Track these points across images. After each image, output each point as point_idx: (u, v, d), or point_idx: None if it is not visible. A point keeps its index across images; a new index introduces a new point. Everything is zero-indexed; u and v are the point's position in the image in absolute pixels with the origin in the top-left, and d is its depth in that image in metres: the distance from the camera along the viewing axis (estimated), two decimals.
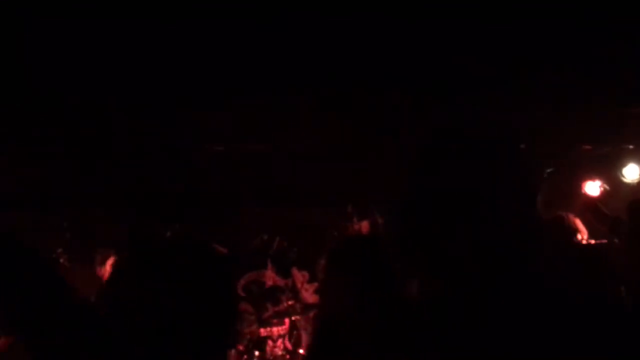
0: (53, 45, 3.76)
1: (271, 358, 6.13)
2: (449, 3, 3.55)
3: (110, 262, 5.00)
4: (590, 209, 4.25)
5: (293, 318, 6.33)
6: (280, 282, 6.66)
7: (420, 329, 1.17)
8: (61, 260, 5.71)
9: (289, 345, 6.25)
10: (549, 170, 5.67)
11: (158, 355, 1.32)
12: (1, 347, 4.17)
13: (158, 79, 4.32)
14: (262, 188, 6.27)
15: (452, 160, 1.19)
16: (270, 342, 6.22)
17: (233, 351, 5.35)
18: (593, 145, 6.10)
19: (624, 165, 6.13)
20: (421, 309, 1.20)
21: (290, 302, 6.42)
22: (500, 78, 4.45)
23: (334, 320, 1.97)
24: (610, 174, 5.99)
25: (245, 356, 5.94)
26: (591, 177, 5.74)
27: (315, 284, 6.32)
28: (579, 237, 4.01)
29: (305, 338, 6.06)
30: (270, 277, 6.67)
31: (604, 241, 3.92)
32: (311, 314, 6.00)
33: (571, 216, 4.16)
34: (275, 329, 6.28)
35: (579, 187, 5.72)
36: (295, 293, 6.54)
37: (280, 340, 6.26)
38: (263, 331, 6.25)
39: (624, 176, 6.10)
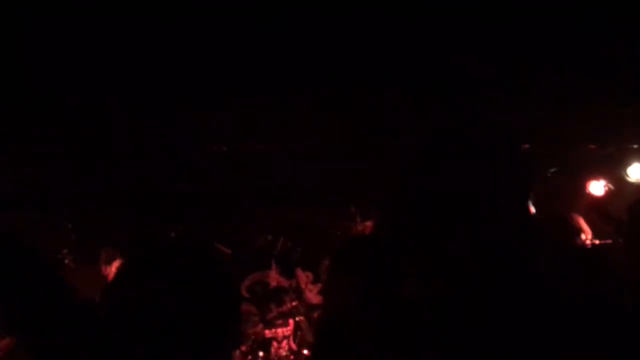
0: (53, 45, 3.76)
1: (276, 359, 6.12)
2: (449, 3, 3.55)
3: (116, 263, 5.00)
4: (598, 210, 4.25)
5: (297, 319, 6.30)
6: (285, 282, 6.64)
7: (420, 329, 1.17)
8: (66, 261, 5.71)
9: (293, 346, 6.23)
10: (552, 170, 5.67)
11: (162, 356, 1.33)
12: (4, 347, 4.16)
13: (158, 79, 4.32)
14: (262, 188, 6.26)
15: (452, 160, 1.19)
16: (275, 344, 6.20)
17: (237, 352, 5.34)
18: (594, 145, 6.10)
19: (628, 165, 6.12)
20: (421, 309, 1.20)
21: (294, 303, 6.40)
22: (500, 78, 4.45)
23: (338, 321, 1.96)
24: (615, 174, 5.99)
25: (249, 357, 5.93)
26: (595, 177, 5.75)
27: (320, 285, 6.31)
28: (583, 237, 4.01)
29: (309, 339, 6.04)
30: (275, 277, 6.65)
31: (609, 241, 3.92)
32: (315, 315, 5.99)
33: (575, 216, 4.16)
34: (280, 330, 6.25)
35: (583, 187, 5.74)
36: (299, 294, 6.52)
37: (285, 342, 6.24)
38: (268, 332, 6.22)
39: (628, 176, 6.09)
